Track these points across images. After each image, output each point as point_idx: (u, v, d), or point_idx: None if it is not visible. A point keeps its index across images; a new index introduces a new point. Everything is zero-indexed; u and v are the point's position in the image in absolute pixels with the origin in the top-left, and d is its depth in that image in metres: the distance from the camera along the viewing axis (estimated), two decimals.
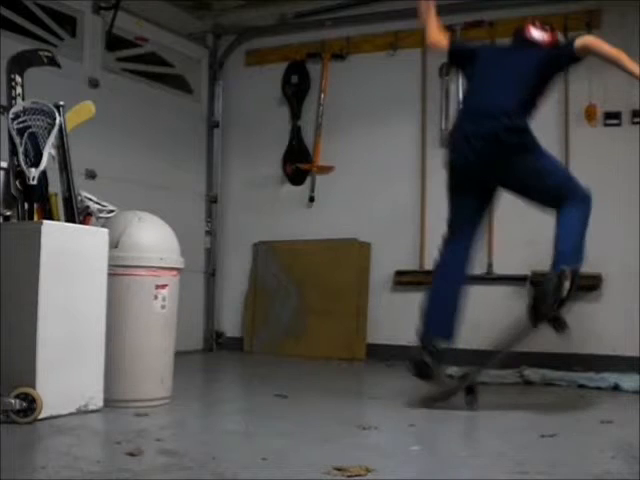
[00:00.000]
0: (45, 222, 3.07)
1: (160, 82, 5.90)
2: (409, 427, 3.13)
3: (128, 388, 3.34)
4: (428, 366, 3.48)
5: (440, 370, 3.50)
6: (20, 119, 3.21)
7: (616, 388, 4.17)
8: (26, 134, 3.19)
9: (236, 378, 5.13)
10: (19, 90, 3.43)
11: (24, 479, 2.21)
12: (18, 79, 3.44)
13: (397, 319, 5.33)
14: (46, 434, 2.77)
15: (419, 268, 5.44)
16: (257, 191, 6.18)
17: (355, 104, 5.84)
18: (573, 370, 4.52)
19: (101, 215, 3.52)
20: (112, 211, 3.56)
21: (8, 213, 3.21)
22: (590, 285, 4.79)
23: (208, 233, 6.21)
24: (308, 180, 6.00)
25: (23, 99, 3.40)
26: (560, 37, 3.77)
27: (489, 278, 5.31)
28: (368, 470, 2.27)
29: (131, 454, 2.43)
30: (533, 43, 3.69)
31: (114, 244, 3.34)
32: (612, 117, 5.08)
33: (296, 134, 6.05)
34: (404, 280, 5.49)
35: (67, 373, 3.06)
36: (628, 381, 4.18)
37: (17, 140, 3.18)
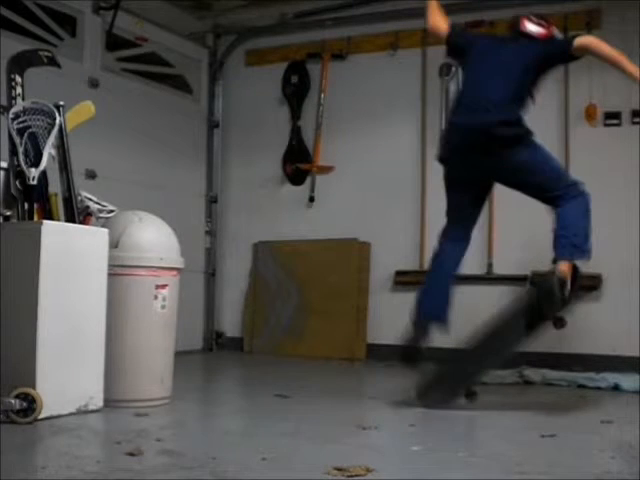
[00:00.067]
0: (45, 222, 3.07)
1: (160, 82, 5.89)
2: (409, 427, 3.13)
3: (128, 388, 3.34)
4: (417, 350, 3.50)
5: (426, 356, 3.52)
6: (20, 119, 3.21)
7: (616, 388, 4.17)
8: (26, 134, 3.19)
9: (236, 378, 5.13)
10: (19, 90, 3.43)
11: (24, 479, 2.21)
12: (18, 79, 3.44)
13: (397, 319, 5.29)
14: (46, 434, 2.77)
15: (419, 268, 5.44)
16: (257, 191, 6.18)
17: (355, 104, 5.84)
18: (573, 370, 4.51)
19: (101, 215, 3.52)
20: (112, 211, 3.56)
21: (8, 213, 3.21)
22: (590, 285, 4.79)
23: (208, 233, 6.21)
24: (308, 180, 6.00)
25: (23, 99, 3.40)
26: (556, 31, 3.76)
27: (489, 278, 5.32)
28: (368, 470, 2.27)
29: (131, 454, 2.43)
30: (529, 37, 3.69)
31: (114, 244, 3.34)
32: (612, 117, 5.09)
33: (296, 134, 6.05)
34: (404, 280, 5.49)
35: (67, 373, 3.07)
36: (628, 381, 4.18)
37: (17, 140, 3.18)
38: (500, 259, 5.31)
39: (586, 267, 3.60)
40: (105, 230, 3.31)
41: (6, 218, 3.21)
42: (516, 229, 5.17)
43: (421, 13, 4.01)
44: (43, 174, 3.24)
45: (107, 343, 3.23)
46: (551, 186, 3.51)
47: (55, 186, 3.34)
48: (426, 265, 5.26)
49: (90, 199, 3.52)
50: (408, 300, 3.76)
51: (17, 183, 3.19)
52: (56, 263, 3.04)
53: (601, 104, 5.10)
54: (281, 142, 6.06)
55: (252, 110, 6.20)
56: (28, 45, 4.31)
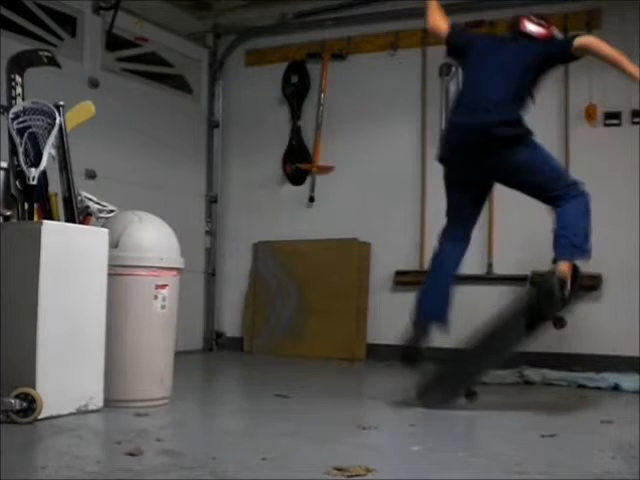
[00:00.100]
0: (45, 222, 3.07)
1: (160, 82, 5.89)
2: (409, 427, 3.13)
3: (128, 388, 3.34)
4: (417, 350, 3.50)
5: (426, 356, 3.52)
6: (20, 119, 3.21)
7: (616, 388, 4.17)
8: (26, 134, 3.19)
9: (236, 378, 5.13)
10: (19, 90, 3.43)
11: (24, 479, 2.21)
12: (18, 79, 3.44)
13: (397, 319, 5.29)
14: (46, 434, 2.77)
15: (419, 268, 5.44)
16: (257, 191, 6.18)
17: (355, 104, 5.84)
18: (573, 370, 4.51)
19: (101, 215, 3.52)
20: (112, 211, 3.56)
21: (8, 213, 3.21)
22: (590, 285, 4.78)
23: (208, 233, 6.21)
24: (308, 180, 6.00)
25: (23, 99, 3.40)
26: (556, 31, 3.77)
27: (489, 278, 5.32)
28: (368, 470, 2.27)
29: (131, 454, 2.43)
30: (529, 37, 3.69)
31: (114, 244, 3.34)
32: (612, 117, 5.09)
33: (296, 134, 6.05)
34: (404, 280, 5.49)
35: (67, 373, 3.07)
36: (628, 381, 4.18)
37: (17, 140, 3.18)
38: (500, 259, 5.31)
39: (586, 267, 3.60)
40: (105, 230, 3.31)
41: (6, 218, 3.21)
42: (516, 229, 5.17)
43: (421, 13, 4.01)
44: (43, 174, 3.24)
45: (107, 343, 3.23)
46: (551, 186, 3.51)
47: (55, 186, 3.34)
48: (426, 265, 5.26)
49: (90, 199, 3.52)
50: (408, 300, 3.76)
51: (17, 183, 3.19)
52: (56, 263, 3.04)
53: (601, 104, 5.10)
54: (281, 142, 6.06)
55: (252, 110, 6.20)
56: (28, 45, 4.31)
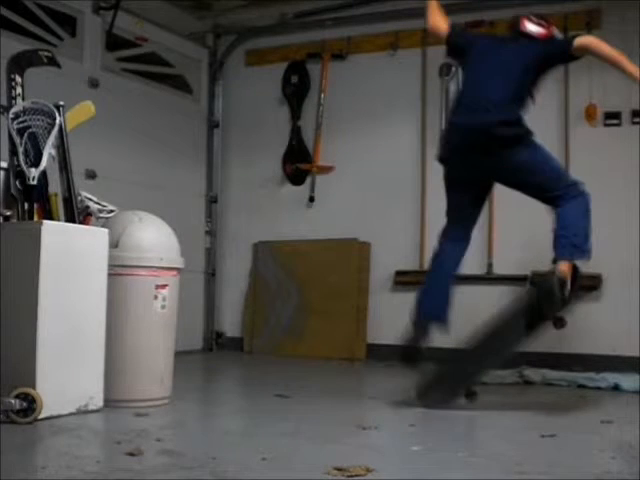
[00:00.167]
0: (45, 222, 3.07)
1: (160, 82, 5.89)
2: (409, 427, 3.13)
3: (128, 388, 3.34)
4: (417, 350, 3.50)
5: (426, 356, 3.52)
6: (20, 119, 3.21)
7: (616, 388, 4.17)
8: (26, 134, 3.19)
9: (236, 378, 5.13)
10: (19, 90, 3.43)
11: (24, 479, 2.21)
12: (18, 79, 3.44)
13: (397, 319, 5.29)
14: (46, 434, 2.77)
15: (419, 268, 5.43)
16: (257, 191, 6.18)
17: (355, 104, 5.84)
18: (573, 370, 4.51)
19: (101, 215, 3.52)
20: (112, 211, 3.56)
21: (8, 213, 3.21)
22: (590, 285, 4.78)
23: (208, 233, 6.21)
24: (308, 180, 6.00)
25: (23, 99, 3.40)
26: (556, 31, 3.77)
27: (489, 278, 5.32)
28: (368, 470, 2.27)
29: (131, 454, 2.43)
30: (529, 37, 3.69)
31: (114, 244, 3.34)
32: (612, 117, 5.09)
33: (296, 134, 6.05)
34: (404, 280, 5.49)
35: (67, 373, 3.07)
36: (628, 381, 4.18)
37: (17, 140, 3.18)
38: (500, 259, 5.31)
39: (586, 267, 3.60)
40: (105, 230, 3.31)
41: (6, 218, 3.21)
42: (516, 229, 5.17)
43: (421, 13, 4.01)
44: (43, 174, 3.24)
45: (107, 343, 3.23)
46: (551, 186, 3.51)
47: (55, 186, 3.34)
48: (426, 265, 5.26)
49: (90, 199, 3.52)
50: (408, 300, 3.76)
51: (17, 183, 3.19)
52: (56, 263, 3.04)
53: (601, 104, 5.10)
54: (281, 142, 6.06)
55: (252, 110, 6.20)
56: (28, 45, 4.31)
